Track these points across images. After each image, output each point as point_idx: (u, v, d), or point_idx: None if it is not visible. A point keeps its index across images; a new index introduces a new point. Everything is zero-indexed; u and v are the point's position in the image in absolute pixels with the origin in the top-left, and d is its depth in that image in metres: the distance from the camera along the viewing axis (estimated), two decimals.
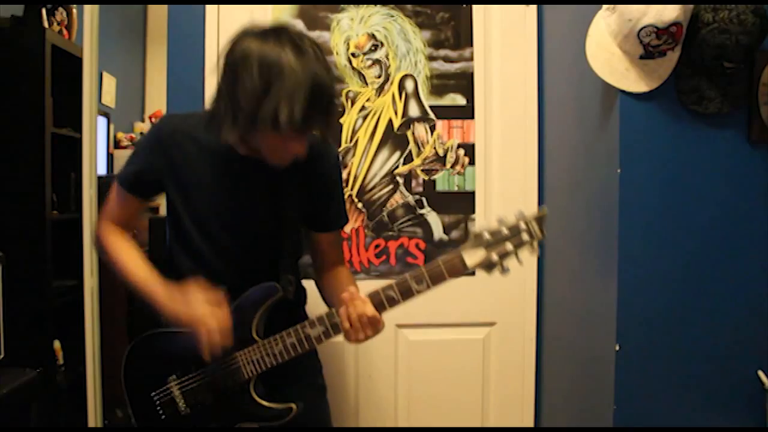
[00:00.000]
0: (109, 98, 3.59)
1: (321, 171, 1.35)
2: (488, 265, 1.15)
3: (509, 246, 1.14)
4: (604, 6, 1.36)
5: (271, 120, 1.06)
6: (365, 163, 1.93)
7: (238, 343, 1.24)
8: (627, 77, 1.33)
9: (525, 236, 1.14)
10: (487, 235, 1.15)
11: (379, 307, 1.19)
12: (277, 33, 1.12)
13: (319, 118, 1.12)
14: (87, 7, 2.18)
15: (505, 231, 1.14)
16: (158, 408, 1.32)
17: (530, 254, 1.16)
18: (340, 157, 1.42)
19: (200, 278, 1.25)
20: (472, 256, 1.15)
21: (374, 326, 1.20)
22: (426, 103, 1.95)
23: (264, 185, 1.29)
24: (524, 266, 1.93)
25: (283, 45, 1.09)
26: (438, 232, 1.96)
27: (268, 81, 1.06)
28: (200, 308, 1.19)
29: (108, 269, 1.36)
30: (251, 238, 1.32)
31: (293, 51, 1.08)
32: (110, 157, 3.60)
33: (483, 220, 1.97)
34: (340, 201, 1.44)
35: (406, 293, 1.19)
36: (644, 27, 1.25)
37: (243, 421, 1.29)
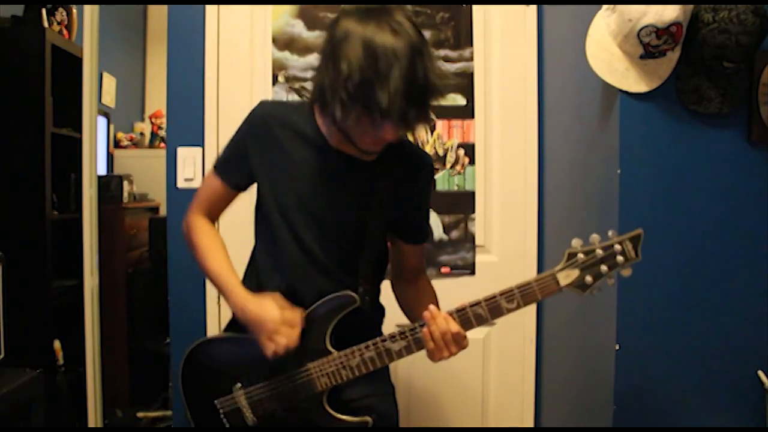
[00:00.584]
0: (109, 98, 3.60)
1: (415, 180, 1.30)
2: (581, 286, 1.13)
3: (604, 268, 1.11)
4: (604, 6, 1.36)
5: (370, 101, 1.01)
6: None
7: (311, 354, 1.20)
8: (627, 77, 1.33)
9: (620, 258, 1.11)
10: (581, 256, 1.12)
11: (466, 324, 1.15)
12: (383, 15, 1.06)
13: (416, 108, 1.05)
14: (87, 7, 2.18)
15: (599, 252, 1.11)
16: (223, 417, 1.27)
17: (624, 275, 1.13)
18: (433, 166, 1.36)
19: (281, 287, 1.23)
20: (566, 277, 1.13)
21: (459, 343, 1.15)
22: None
23: (354, 183, 1.23)
24: (524, 266, 1.97)
25: (392, 31, 1.03)
26: (438, 232, 1.96)
27: (371, 63, 1.01)
28: (272, 312, 1.16)
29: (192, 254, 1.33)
30: (334, 238, 1.25)
31: (400, 39, 1.02)
32: (110, 157, 3.60)
33: (483, 219, 1.97)
34: (428, 212, 1.40)
35: (496, 311, 1.14)
36: (644, 27, 1.25)
37: None
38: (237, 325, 1.28)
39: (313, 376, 1.21)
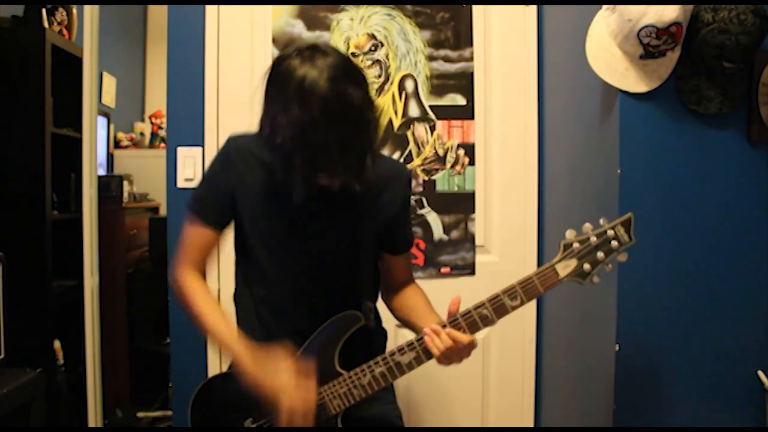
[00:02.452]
0: (109, 98, 3.59)
1: (395, 194, 1.29)
2: (581, 275, 1.14)
3: (600, 255, 1.13)
4: (604, 6, 1.36)
5: (305, 152, 1.01)
6: None
7: (321, 378, 1.17)
8: (627, 77, 1.33)
9: (614, 243, 1.13)
10: (577, 245, 1.13)
11: (472, 327, 1.15)
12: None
13: (344, 162, 1.02)
14: (87, 7, 2.18)
15: (594, 239, 1.13)
16: None
17: (621, 260, 1.14)
18: (410, 175, 1.37)
19: (284, 338, 1.19)
20: (564, 268, 1.15)
21: (468, 350, 1.15)
22: (426, 103, 1.95)
23: (337, 206, 1.22)
24: (524, 266, 1.97)
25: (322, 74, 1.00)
26: (438, 232, 1.96)
27: (303, 108, 0.99)
28: (286, 378, 1.12)
29: (181, 307, 1.28)
30: (328, 261, 1.25)
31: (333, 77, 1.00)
32: (110, 157, 3.60)
33: (483, 219, 1.97)
34: (409, 221, 1.40)
35: (500, 310, 1.15)
36: (644, 27, 1.25)
37: None
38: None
39: (326, 400, 1.19)
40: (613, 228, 1.13)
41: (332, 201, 1.20)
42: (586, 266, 1.13)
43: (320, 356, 1.18)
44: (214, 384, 1.30)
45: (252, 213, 1.24)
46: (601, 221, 1.14)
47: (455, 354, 1.14)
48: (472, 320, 1.15)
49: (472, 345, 1.15)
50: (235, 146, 1.25)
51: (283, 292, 1.25)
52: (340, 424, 1.20)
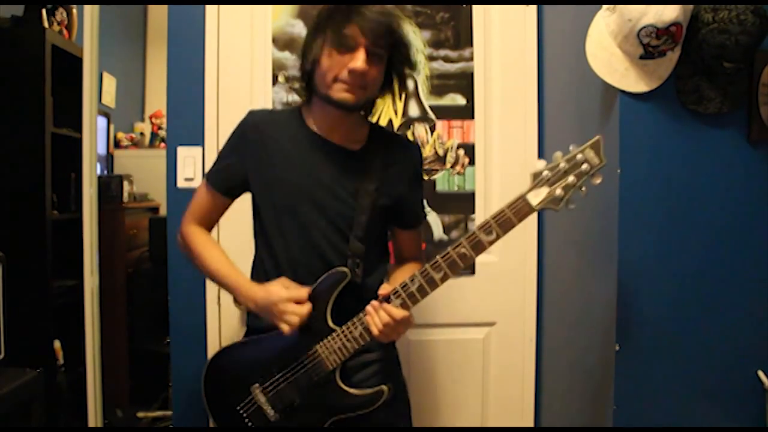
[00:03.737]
0: (109, 98, 3.60)
1: (403, 165, 1.37)
2: (554, 201, 1.13)
3: (571, 179, 1.12)
4: (604, 6, 1.36)
5: (323, 29, 1.21)
6: None
7: (316, 336, 1.24)
8: (627, 77, 1.33)
9: (584, 166, 1.11)
10: (547, 173, 1.13)
11: (453, 267, 1.18)
12: None
13: (375, 24, 1.19)
14: (87, 7, 2.18)
15: (563, 165, 1.12)
16: (247, 421, 1.29)
17: (593, 182, 1.13)
18: (421, 154, 1.45)
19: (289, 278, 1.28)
20: (536, 197, 1.14)
21: (405, 325, 1.21)
22: (426, 103, 1.95)
23: (344, 170, 1.31)
24: (524, 266, 1.97)
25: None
26: (438, 232, 1.96)
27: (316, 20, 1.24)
28: (279, 291, 1.22)
29: (192, 262, 1.39)
30: (330, 222, 1.30)
31: None
32: (110, 157, 3.60)
33: (483, 220, 1.97)
34: (420, 198, 1.46)
35: (478, 246, 1.16)
36: (644, 27, 1.25)
37: (335, 415, 1.27)
38: (252, 331, 1.37)
39: (322, 356, 1.24)
40: (581, 152, 1.12)
41: (340, 156, 1.31)
42: (558, 192, 1.13)
43: (313, 314, 1.23)
44: (222, 355, 1.36)
45: (266, 175, 1.32)
46: (571, 147, 1.13)
47: (392, 330, 1.20)
48: (452, 260, 1.17)
49: (407, 321, 1.20)
50: (252, 122, 1.35)
51: (292, 254, 1.31)
52: (338, 379, 1.25)
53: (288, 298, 1.20)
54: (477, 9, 1.95)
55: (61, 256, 2.56)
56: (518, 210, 1.14)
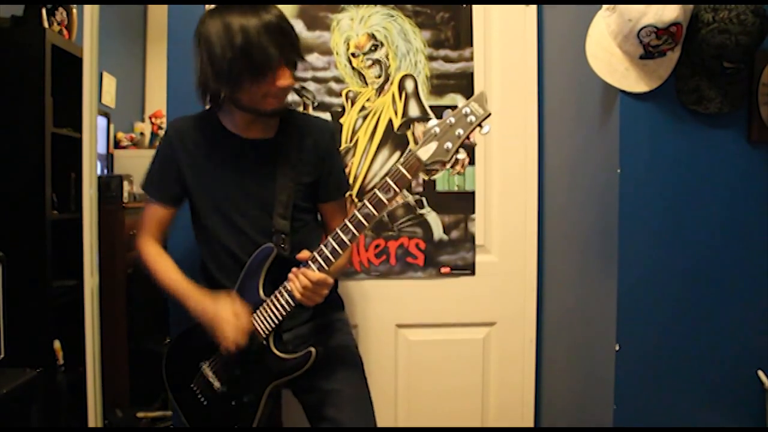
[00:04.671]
0: (109, 98, 3.59)
1: (316, 145, 1.47)
2: (443, 153, 1.20)
3: (459, 131, 1.19)
4: (604, 6, 1.36)
5: (248, 67, 1.26)
6: (365, 163, 1.93)
7: (250, 307, 1.35)
8: (627, 77, 1.33)
9: (471, 118, 1.19)
10: (436, 129, 1.20)
11: (359, 227, 1.26)
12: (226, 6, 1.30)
13: (279, 44, 1.27)
14: (87, 7, 2.18)
15: (451, 119, 1.20)
16: (199, 396, 1.41)
17: (481, 134, 1.21)
18: (334, 129, 1.57)
19: (229, 268, 1.42)
20: (426, 152, 1.21)
21: (324, 286, 1.29)
22: (426, 103, 1.95)
23: (261, 159, 1.43)
24: (524, 266, 1.97)
25: (231, 11, 1.28)
26: (438, 232, 1.96)
27: (230, 39, 1.25)
28: (224, 306, 1.34)
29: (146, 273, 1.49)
30: (255, 208, 1.43)
31: (249, 13, 1.27)
32: (110, 157, 3.60)
33: (483, 219, 1.98)
34: (339, 171, 1.55)
35: (379, 205, 1.24)
36: (644, 27, 1.25)
37: (273, 380, 1.37)
38: None
39: (255, 326, 1.35)
40: (467, 105, 1.19)
41: (260, 154, 1.43)
42: (448, 144, 1.20)
43: (247, 288, 1.36)
44: (178, 340, 1.50)
45: (196, 177, 1.44)
46: (458, 103, 1.23)
47: (312, 292, 1.28)
48: (357, 220, 1.25)
49: (324, 282, 1.28)
50: (173, 129, 1.47)
51: (227, 246, 1.43)
52: (273, 347, 1.36)
53: (233, 326, 1.32)
54: (477, 9, 1.95)
55: (61, 256, 2.55)
56: (410, 166, 1.22)
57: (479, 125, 1.20)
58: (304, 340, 1.46)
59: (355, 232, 1.26)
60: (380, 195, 1.23)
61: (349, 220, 1.26)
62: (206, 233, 1.46)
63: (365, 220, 1.25)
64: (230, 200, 1.42)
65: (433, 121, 1.22)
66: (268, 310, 1.34)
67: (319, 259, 1.29)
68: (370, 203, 1.24)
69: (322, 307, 1.39)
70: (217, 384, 1.39)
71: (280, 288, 1.33)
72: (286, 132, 1.46)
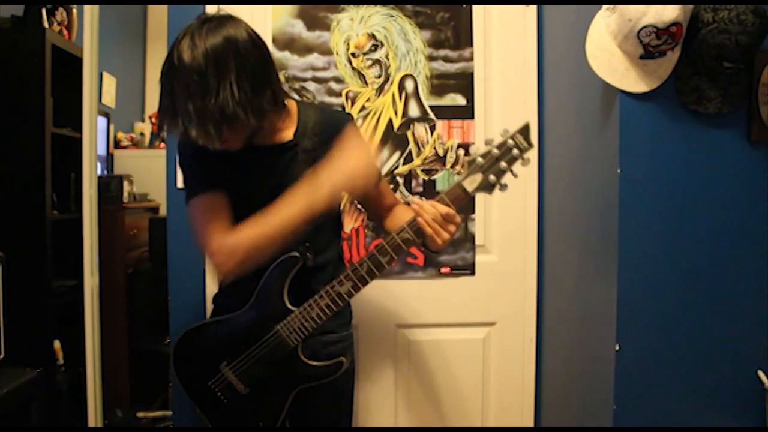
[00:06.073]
0: (109, 98, 3.60)
1: (334, 134, 1.35)
2: (487, 187, 1.24)
3: (503, 164, 1.23)
4: (604, 6, 1.36)
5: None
6: None
7: (276, 317, 1.33)
8: (627, 77, 1.33)
9: (515, 151, 1.22)
10: (480, 160, 1.22)
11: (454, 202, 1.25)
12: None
13: (214, 124, 1.14)
14: (87, 7, 2.18)
15: (495, 152, 1.22)
16: (219, 394, 1.39)
17: (523, 166, 1.24)
18: (352, 118, 1.48)
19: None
20: (471, 183, 1.24)
21: (453, 221, 1.25)
22: (426, 103, 1.95)
23: (283, 164, 1.35)
24: (524, 266, 1.97)
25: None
26: None
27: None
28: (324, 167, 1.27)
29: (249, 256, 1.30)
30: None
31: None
32: (110, 157, 3.60)
33: (483, 220, 1.97)
34: (366, 158, 1.38)
35: (418, 232, 1.26)
36: (644, 27, 1.25)
37: (300, 384, 1.38)
38: (218, 307, 1.47)
39: (283, 335, 1.33)
40: (512, 137, 1.22)
41: (280, 160, 1.35)
42: (492, 177, 1.24)
43: (270, 297, 1.33)
44: (191, 334, 1.43)
45: (222, 182, 1.35)
46: (501, 133, 1.23)
47: (441, 226, 1.24)
48: (396, 244, 1.27)
49: (452, 215, 1.24)
50: (186, 146, 1.34)
51: None
52: (302, 355, 1.36)
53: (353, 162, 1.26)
54: (477, 9, 1.95)
55: (61, 256, 2.56)
56: (455, 197, 1.25)
57: (522, 156, 1.22)
58: (331, 350, 1.43)
59: (393, 255, 1.28)
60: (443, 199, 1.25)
61: (388, 244, 1.27)
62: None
63: (404, 244, 1.27)
64: (256, 208, 1.29)
65: (477, 149, 1.23)
66: (297, 321, 1.32)
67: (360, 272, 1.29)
68: (410, 229, 1.26)
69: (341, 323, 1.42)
70: (240, 386, 1.38)
71: (311, 301, 1.31)
72: (305, 132, 1.37)
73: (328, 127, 1.38)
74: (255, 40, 1.24)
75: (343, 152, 1.27)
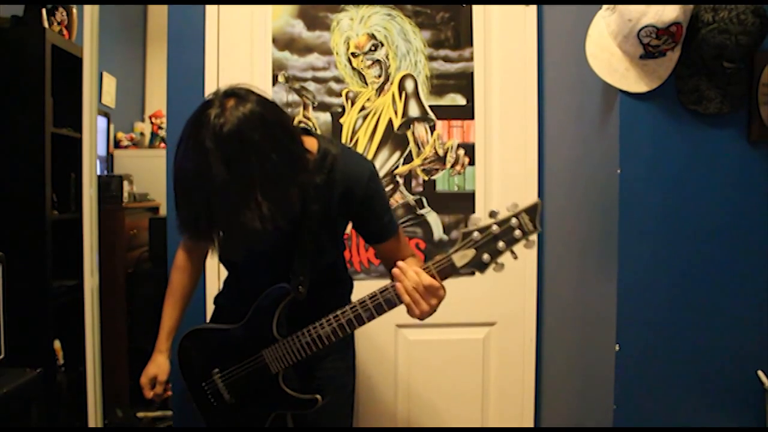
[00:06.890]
0: (109, 98, 3.59)
1: (352, 193, 1.31)
2: (479, 266, 1.11)
3: (500, 245, 1.10)
4: (604, 6, 1.36)
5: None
6: None
7: (262, 342, 1.33)
8: (627, 77, 1.33)
9: (517, 233, 1.09)
10: (477, 234, 1.10)
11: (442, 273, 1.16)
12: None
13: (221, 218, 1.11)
14: (87, 7, 2.18)
15: (495, 228, 1.09)
16: (209, 396, 1.42)
17: (526, 248, 1.11)
18: (372, 174, 1.35)
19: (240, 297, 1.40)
20: (461, 258, 1.12)
21: (435, 294, 1.15)
22: (426, 103, 1.95)
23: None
24: (524, 266, 1.97)
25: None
26: (438, 232, 1.96)
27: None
28: (156, 362, 1.48)
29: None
30: (268, 245, 1.26)
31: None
32: (110, 157, 3.60)
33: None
34: (382, 214, 1.38)
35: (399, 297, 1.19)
36: (644, 27, 1.25)
37: (278, 409, 1.39)
38: (219, 307, 1.54)
39: (267, 361, 1.34)
40: (517, 216, 1.08)
41: None
42: (485, 257, 1.10)
43: (261, 321, 1.33)
44: (198, 333, 1.47)
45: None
46: (507, 207, 1.09)
47: (421, 297, 1.15)
48: (378, 303, 1.21)
49: (435, 288, 1.15)
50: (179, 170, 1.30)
51: (241, 272, 1.45)
52: (281, 383, 1.35)
53: (146, 377, 1.46)
54: (477, 9, 1.95)
55: (61, 256, 2.55)
56: (442, 269, 1.14)
57: (525, 239, 1.09)
58: (313, 383, 1.42)
59: (374, 312, 1.21)
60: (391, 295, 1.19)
61: (370, 300, 1.20)
62: (227, 264, 1.48)
63: (386, 305, 1.20)
64: (241, 253, 1.34)
65: (477, 220, 1.10)
66: (284, 350, 1.31)
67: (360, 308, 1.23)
68: (393, 291, 1.17)
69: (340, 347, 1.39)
70: (227, 396, 1.39)
71: (299, 333, 1.29)
72: (320, 169, 1.28)
73: (344, 182, 1.30)
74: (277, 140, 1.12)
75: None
